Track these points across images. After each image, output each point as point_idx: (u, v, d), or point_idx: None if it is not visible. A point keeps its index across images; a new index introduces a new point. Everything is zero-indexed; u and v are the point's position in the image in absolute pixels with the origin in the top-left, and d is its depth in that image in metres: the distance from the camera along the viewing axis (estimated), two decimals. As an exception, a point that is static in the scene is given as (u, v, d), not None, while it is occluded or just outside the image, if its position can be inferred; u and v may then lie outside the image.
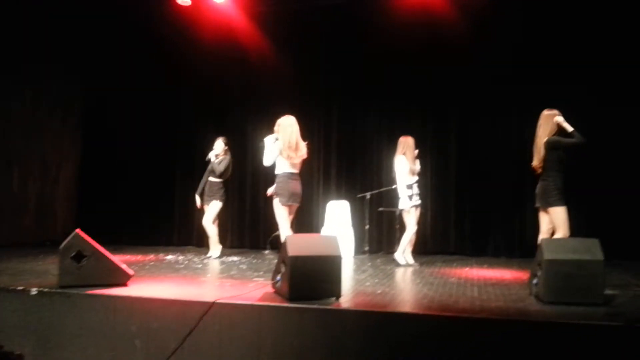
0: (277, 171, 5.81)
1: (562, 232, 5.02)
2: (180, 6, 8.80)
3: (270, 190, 5.99)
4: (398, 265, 6.61)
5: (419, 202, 6.72)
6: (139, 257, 7.13)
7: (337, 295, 4.13)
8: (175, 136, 9.35)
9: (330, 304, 3.93)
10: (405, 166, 6.63)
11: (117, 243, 8.41)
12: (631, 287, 5.03)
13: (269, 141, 5.79)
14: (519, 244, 7.85)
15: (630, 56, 7.48)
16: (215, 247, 7.31)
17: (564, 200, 5.09)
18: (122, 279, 4.65)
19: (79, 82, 9.65)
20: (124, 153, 9.48)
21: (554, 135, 5.17)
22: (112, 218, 9.14)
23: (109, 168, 9.51)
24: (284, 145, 5.67)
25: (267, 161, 5.77)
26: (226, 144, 7.46)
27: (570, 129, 5.15)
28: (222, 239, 7.72)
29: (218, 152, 7.38)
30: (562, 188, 5.13)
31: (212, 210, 7.25)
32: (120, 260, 4.85)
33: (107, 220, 9.00)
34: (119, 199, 9.33)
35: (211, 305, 3.95)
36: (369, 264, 6.86)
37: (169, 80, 9.31)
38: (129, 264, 6.08)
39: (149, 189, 9.30)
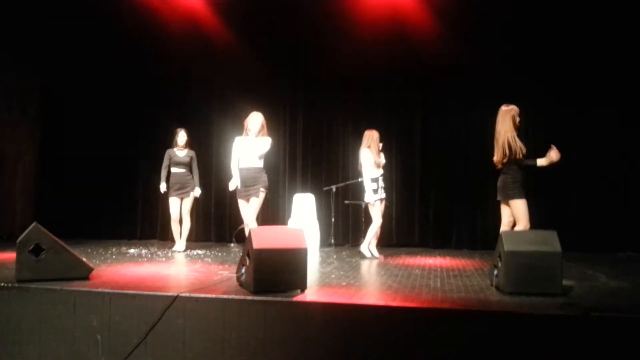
0: (262, 166, 6.07)
1: (522, 224, 5.13)
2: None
3: (232, 185, 6.07)
4: (363, 257, 6.66)
5: (384, 195, 6.78)
6: (101, 251, 7.00)
7: (302, 287, 4.14)
8: (138, 128, 9.18)
9: (295, 297, 3.93)
10: (370, 159, 6.67)
11: (79, 237, 8.25)
12: (588, 278, 5.19)
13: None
14: (481, 236, 8.03)
15: (586, 58, 7.73)
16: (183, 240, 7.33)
17: (523, 194, 5.19)
18: (82, 273, 4.55)
19: (37, 73, 9.35)
20: (85, 145, 9.22)
21: (512, 130, 5.23)
22: (72, 211, 8.90)
23: (69, 160, 9.25)
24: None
25: (259, 161, 6.06)
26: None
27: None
28: (189, 233, 7.65)
29: (182, 144, 7.32)
30: (522, 182, 5.23)
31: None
32: (81, 254, 4.75)
33: (68, 214, 8.77)
34: (80, 192, 9.07)
35: (174, 298, 3.90)
36: (335, 256, 6.89)
37: (130, 71, 9.12)
38: (91, 258, 5.98)
39: (111, 182, 9.11)
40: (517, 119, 5.27)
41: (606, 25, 7.67)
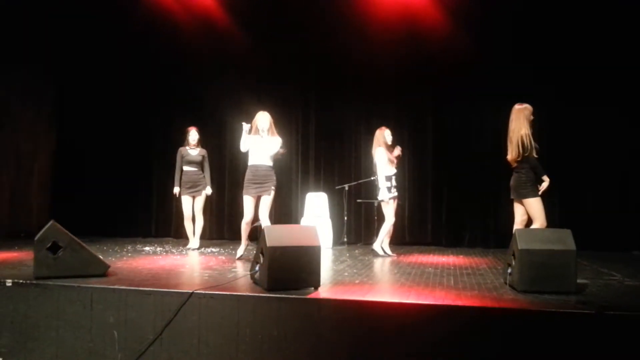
0: (272, 164, 6.19)
1: (539, 222, 5.10)
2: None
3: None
4: (376, 255, 6.67)
5: (396, 194, 6.79)
6: (117, 249, 7.08)
7: (316, 285, 4.17)
8: (152, 126, 9.26)
9: (309, 294, 3.96)
10: (384, 157, 6.69)
11: (94, 235, 8.35)
12: (602, 276, 5.17)
13: (246, 128, 6.13)
14: (494, 234, 7.99)
15: (595, 60, 7.68)
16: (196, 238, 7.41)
17: (537, 192, 5.18)
18: (99, 270, 4.62)
19: (53, 71, 9.45)
20: (100, 143, 9.33)
21: (526, 128, 5.21)
22: (88, 209, 9.02)
23: (85, 158, 9.37)
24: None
25: (269, 158, 6.15)
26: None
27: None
28: (203, 231, 7.71)
29: (194, 142, 7.37)
30: (535, 180, 5.21)
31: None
32: (97, 251, 4.81)
33: (84, 212, 8.88)
34: (95, 189, 9.19)
35: (189, 295, 3.95)
36: (348, 254, 6.91)
37: (145, 70, 9.21)
38: (107, 256, 6.06)
39: (125, 180, 9.19)
40: (531, 118, 5.26)
41: (624, 24, 7.61)
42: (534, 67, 7.76)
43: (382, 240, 6.79)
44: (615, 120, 7.63)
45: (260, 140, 6.10)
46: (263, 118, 6.12)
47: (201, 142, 7.48)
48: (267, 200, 6.07)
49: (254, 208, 6.13)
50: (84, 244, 4.65)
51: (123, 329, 4.03)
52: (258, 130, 6.10)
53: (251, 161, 6.14)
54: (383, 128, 6.84)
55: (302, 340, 3.76)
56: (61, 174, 9.51)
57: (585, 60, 7.72)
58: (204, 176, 7.38)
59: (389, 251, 6.81)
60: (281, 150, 6.27)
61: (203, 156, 7.40)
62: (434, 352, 3.58)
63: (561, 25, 7.80)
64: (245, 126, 6.10)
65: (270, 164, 6.16)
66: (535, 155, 5.18)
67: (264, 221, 6.00)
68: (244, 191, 6.14)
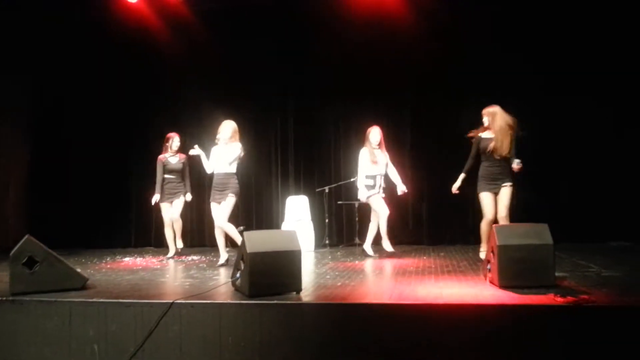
0: (235, 171, 6.34)
1: (484, 215, 5.84)
2: (132, 4, 8.61)
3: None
4: (367, 256, 6.67)
5: (383, 194, 6.78)
6: (95, 261, 6.98)
7: (298, 289, 4.16)
8: (130, 135, 9.14)
9: (291, 299, 3.95)
10: (365, 157, 6.70)
11: (73, 247, 8.23)
12: (580, 268, 5.24)
13: (196, 152, 6.48)
14: (474, 231, 8.03)
15: (574, 51, 7.78)
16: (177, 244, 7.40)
17: (482, 188, 5.87)
18: (77, 283, 4.55)
19: (27, 82, 9.28)
20: (77, 154, 9.19)
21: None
22: (66, 221, 8.87)
23: (61, 171, 9.20)
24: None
25: (228, 166, 6.29)
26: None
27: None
28: (183, 239, 7.65)
29: (176, 149, 7.32)
30: (484, 176, 5.87)
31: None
32: (75, 264, 4.75)
33: (62, 224, 8.73)
34: (73, 202, 9.06)
35: (170, 305, 3.91)
36: (330, 257, 6.91)
37: (120, 80, 9.09)
38: (85, 268, 5.98)
39: (103, 191, 9.07)
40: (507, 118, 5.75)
41: (598, 25, 7.74)
42: (510, 60, 7.82)
43: (373, 240, 6.81)
44: (591, 110, 7.72)
45: (219, 149, 6.31)
46: (223, 128, 6.31)
47: (180, 149, 7.41)
48: (224, 206, 6.20)
49: None
50: (61, 258, 4.58)
51: (103, 342, 3.98)
52: (217, 140, 6.32)
53: (214, 170, 6.35)
54: (372, 127, 6.83)
55: (286, 346, 3.74)
56: (37, 187, 9.33)
57: (562, 48, 7.83)
58: (184, 184, 7.32)
59: (390, 247, 6.78)
60: (242, 154, 6.35)
61: (183, 163, 7.31)
62: (416, 351, 3.59)
63: (536, 22, 7.90)
64: (193, 151, 6.44)
65: (230, 170, 6.29)
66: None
67: (223, 225, 6.17)
68: (210, 199, 6.35)
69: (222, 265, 6.18)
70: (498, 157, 5.76)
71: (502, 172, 5.81)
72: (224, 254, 6.30)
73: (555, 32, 7.84)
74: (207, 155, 6.46)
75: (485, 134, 5.90)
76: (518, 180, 5.88)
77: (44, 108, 9.38)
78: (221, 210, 6.21)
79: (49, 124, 9.35)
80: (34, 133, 9.42)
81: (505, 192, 5.79)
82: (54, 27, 9.03)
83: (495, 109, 5.83)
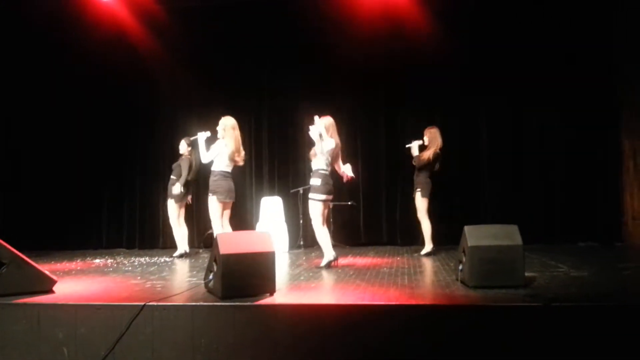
0: (213, 168, 6.14)
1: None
2: (95, 3, 8.44)
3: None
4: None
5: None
6: (65, 263, 6.86)
7: (271, 291, 4.15)
8: (101, 135, 9.01)
9: (264, 300, 3.94)
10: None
11: (43, 249, 8.07)
12: (549, 268, 5.34)
13: (202, 137, 6.24)
14: (446, 231, 8.12)
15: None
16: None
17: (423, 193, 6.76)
18: (46, 286, 4.46)
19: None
20: (45, 155, 9.02)
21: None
22: (36, 223, 8.71)
23: (30, 172, 9.03)
24: (233, 151, 6.09)
25: (206, 159, 6.16)
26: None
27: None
28: (155, 240, 7.58)
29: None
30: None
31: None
32: (45, 266, 4.66)
33: (31, 226, 8.57)
34: (43, 202, 8.89)
35: (141, 308, 3.86)
36: (304, 258, 6.91)
37: (90, 78, 8.93)
38: (55, 270, 5.86)
39: (74, 191, 8.93)
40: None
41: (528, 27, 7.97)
42: (476, 67, 7.99)
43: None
44: (558, 113, 7.93)
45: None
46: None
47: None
48: (209, 209, 6.13)
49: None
50: (29, 260, 4.48)
51: (73, 346, 3.90)
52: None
53: (225, 167, 6.26)
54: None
55: (259, 347, 3.73)
56: (5, 188, 9.13)
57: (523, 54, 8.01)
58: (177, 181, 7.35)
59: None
60: (228, 152, 6.22)
61: (179, 164, 7.46)
62: (391, 351, 3.61)
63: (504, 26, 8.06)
64: (202, 135, 6.28)
65: (212, 167, 6.21)
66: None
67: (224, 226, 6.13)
68: (219, 198, 6.16)
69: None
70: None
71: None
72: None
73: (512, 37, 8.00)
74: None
75: None
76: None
77: (8, 108, 9.12)
78: (209, 213, 6.14)
79: (15, 124, 9.13)
80: (1, 133, 9.19)
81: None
82: (17, 36, 8.79)
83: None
